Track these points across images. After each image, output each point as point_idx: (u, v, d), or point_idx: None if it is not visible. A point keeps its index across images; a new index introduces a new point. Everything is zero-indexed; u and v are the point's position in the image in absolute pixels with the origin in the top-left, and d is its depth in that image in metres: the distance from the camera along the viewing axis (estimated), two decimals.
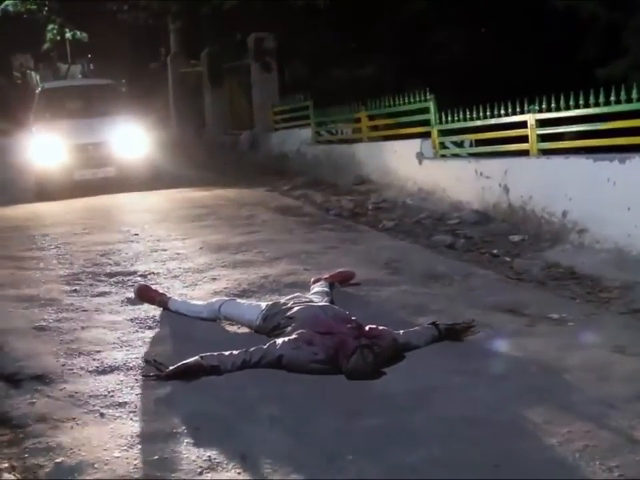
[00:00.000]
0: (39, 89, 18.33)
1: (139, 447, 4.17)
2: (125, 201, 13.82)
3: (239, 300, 6.42)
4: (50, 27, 46.06)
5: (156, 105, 25.51)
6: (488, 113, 10.55)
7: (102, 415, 4.61)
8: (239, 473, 3.88)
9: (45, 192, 14.62)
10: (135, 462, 4.01)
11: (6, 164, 17.61)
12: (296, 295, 6.18)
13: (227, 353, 5.21)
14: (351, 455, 4.02)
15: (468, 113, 11.03)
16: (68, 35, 47.66)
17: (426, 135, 12.26)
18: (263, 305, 6.06)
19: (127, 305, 6.85)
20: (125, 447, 4.16)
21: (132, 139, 15.56)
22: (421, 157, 12.22)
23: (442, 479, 3.80)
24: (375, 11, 17.46)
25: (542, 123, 9.50)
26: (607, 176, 8.12)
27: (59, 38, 48.89)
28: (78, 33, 45.63)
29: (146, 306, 6.68)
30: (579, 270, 7.85)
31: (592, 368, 5.17)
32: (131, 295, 7.01)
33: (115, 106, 16.76)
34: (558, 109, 9.14)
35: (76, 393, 4.95)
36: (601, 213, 8.21)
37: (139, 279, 7.71)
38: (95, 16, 30.96)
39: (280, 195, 14.06)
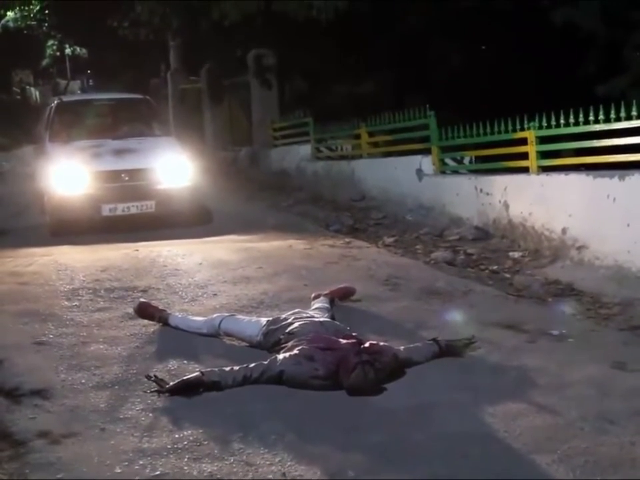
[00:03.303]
0: (55, 101, 14.99)
1: (140, 462, 4.16)
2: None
3: (239, 316, 6.41)
4: (50, 42, 46.32)
5: None
6: (488, 130, 10.57)
7: (103, 430, 4.60)
8: None
9: (63, 229, 11.60)
10: (136, 478, 4.00)
11: (10, 186, 15.90)
12: (296, 310, 6.18)
13: (227, 369, 5.21)
14: (352, 471, 4.02)
15: (468, 129, 11.06)
16: (68, 51, 47.92)
17: (426, 152, 12.30)
18: (264, 320, 6.06)
19: (127, 320, 6.84)
20: (126, 463, 4.16)
21: (175, 165, 12.57)
22: (420, 173, 12.25)
23: None
24: (374, 28, 17.52)
25: (542, 140, 9.52)
26: (606, 193, 8.13)
27: (58, 54, 49.13)
28: (78, 49, 45.88)
29: (146, 322, 6.67)
30: (579, 286, 7.86)
31: (592, 384, 5.17)
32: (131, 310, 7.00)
33: (149, 125, 14.34)
34: (558, 126, 9.16)
35: (76, 408, 4.95)
36: (601, 229, 8.22)
37: (138, 294, 7.70)
38: (95, 32, 31.08)
39: (279, 211, 14.06)
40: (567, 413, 4.71)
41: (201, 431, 4.55)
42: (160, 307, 6.83)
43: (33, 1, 36.84)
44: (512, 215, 9.83)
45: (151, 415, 4.82)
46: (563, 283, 8.03)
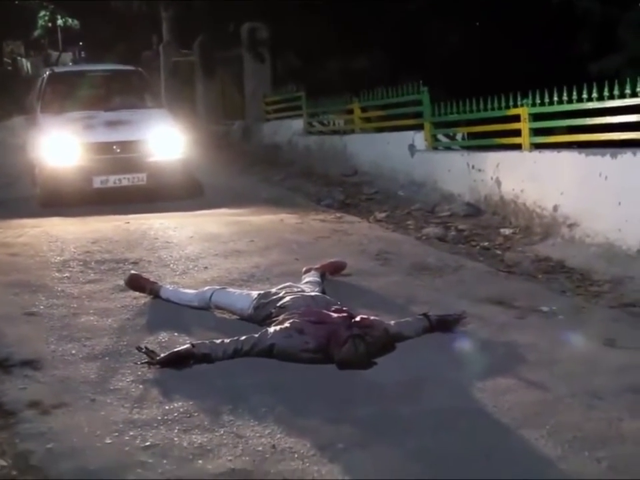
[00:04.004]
0: (47, 72, 14.73)
1: (130, 433, 4.17)
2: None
3: (230, 289, 6.41)
4: (41, 13, 46.06)
5: None
6: (481, 106, 10.56)
7: (93, 401, 4.61)
8: (230, 460, 3.89)
9: (53, 201, 11.50)
10: (126, 448, 4.01)
11: (0, 157, 15.50)
12: (287, 284, 6.18)
13: (218, 341, 5.22)
14: (342, 443, 4.03)
15: (461, 105, 11.05)
16: (59, 22, 47.67)
17: (418, 127, 12.28)
18: (254, 294, 6.06)
19: (117, 292, 6.83)
20: (116, 433, 4.17)
21: (167, 138, 12.49)
22: (413, 149, 12.24)
23: (432, 470, 3.81)
24: (370, 3, 17.46)
25: (535, 117, 9.52)
26: (598, 170, 8.13)
27: (50, 25, 48.86)
28: (70, 20, 45.63)
29: (137, 294, 6.66)
30: (570, 263, 7.88)
31: (581, 360, 5.21)
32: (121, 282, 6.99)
33: (142, 97, 14.21)
34: (551, 104, 9.16)
35: (67, 379, 4.95)
36: (592, 207, 8.23)
37: (129, 266, 7.69)
38: (87, 3, 30.90)
39: (271, 185, 14.04)
40: (555, 388, 4.73)
41: (191, 402, 4.56)
42: (151, 280, 6.82)
43: None
44: (504, 192, 9.83)
45: (141, 386, 4.82)
46: (554, 260, 8.05)
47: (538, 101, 9.36)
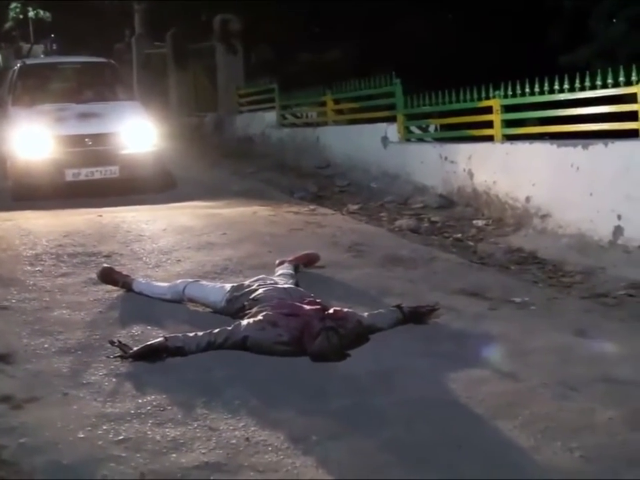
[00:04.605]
0: (18, 64, 14.66)
1: (103, 427, 4.15)
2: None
3: (203, 282, 6.40)
4: (12, 5, 45.65)
5: None
6: (453, 98, 10.59)
7: (66, 395, 4.58)
8: (203, 454, 3.88)
9: (25, 194, 11.43)
10: (99, 442, 3.99)
11: None
12: (260, 277, 6.16)
13: (191, 334, 5.21)
14: (316, 436, 4.04)
15: (433, 97, 11.07)
16: (31, 14, 47.27)
17: (391, 119, 12.31)
18: (228, 286, 6.05)
19: (90, 286, 6.80)
20: (89, 427, 4.15)
21: (139, 130, 12.41)
22: (386, 141, 12.27)
23: (405, 460, 3.83)
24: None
25: (507, 109, 9.56)
26: (570, 162, 8.18)
27: (21, 17, 48.46)
28: (41, 12, 45.27)
29: (109, 287, 6.63)
30: (542, 254, 7.93)
31: (553, 351, 5.24)
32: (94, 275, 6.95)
33: (114, 89, 14.17)
34: (523, 95, 9.20)
35: (39, 373, 4.93)
36: (564, 198, 8.29)
37: (102, 259, 7.66)
38: None
39: (244, 177, 14.02)
40: (528, 379, 4.76)
41: (164, 396, 4.54)
42: (124, 273, 6.78)
43: None
44: (476, 184, 9.87)
45: (114, 380, 4.81)
46: (526, 251, 8.09)
47: (510, 93, 9.41)
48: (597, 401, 4.41)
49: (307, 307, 5.34)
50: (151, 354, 5.07)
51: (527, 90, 9.10)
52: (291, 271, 6.62)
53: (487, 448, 3.95)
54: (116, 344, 5.15)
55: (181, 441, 4.01)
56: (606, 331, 5.65)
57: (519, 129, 9.58)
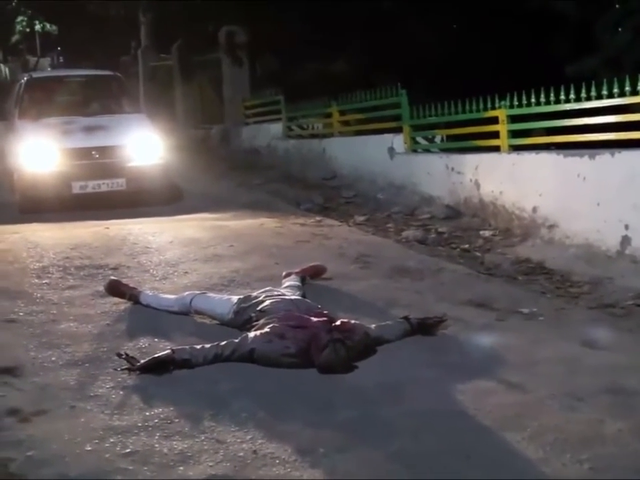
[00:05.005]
0: (25, 78, 14.71)
1: (111, 440, 4.15)
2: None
3: (210, 294, 6.40)
4: (19, 19, 45.76)
5: None
6: (459, 109, 10.59)
7: (73, 407, 4.58)
8: (210, 467, 3.87)
9: (32, 207, 11.43)
10: (107, 455, 3.99)
11: None
12: (267, 288, 6.16)
13: (198, 347, 5.20)
14: (323, 448, 4.02)
15: (439, 108, 11.08)
16: (37, 27, 47.36)
17: (397, 130, 12.30)
18: (235, 298, 6.04)
19: (97, 298, 6.80)
20: (96, 440, 4.14)
21: (146, 143, 12.46)
22: (392, 151, 12.27)
23: (414, 471, 3.81)
24: (346, 6, 17.46)
25: (513, 119, 9.55)
26: (577, 172, 8.17)
27: (28, 30, 48.56)
28: (48, 25, 45.36)
29: (117, 299, 6.64)
30: (549, 265, 7.91)
31: (561, 362, 5.21)
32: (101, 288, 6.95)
33: (119, 102, 14.29)
34: (529, 105, 9.19)
35: (47, 385, 4.93)
36: (571, 208, 8.27)
37: (109, 272, 7.66)
38: (65, 8, 30.78)
39: (250, 189, 14.03)
40: (536, 390, 4.74)
41: (171, 408, 4.54)
42: (131, 285, 6.79)
43: None
44: (483, 194, 9.86)
45: (121, 392, 4.80)
46: (534, 262, 8.07)
47: (516, 103, 9.40)
48: (605, 412, 4.39)
49: (314, 319, 5.33)
50: (158, 366, 5.06)
51: (533, 100, 9.09)
52: (298, 283, 6.62)
53: (495, 459, 3.93)
54: (123, 356, 5.15)
55: (189, 454, 4.00)
56: (614, 342, 5.63)
57: (525, 139, 9.56)
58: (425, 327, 5.76)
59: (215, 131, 21.58)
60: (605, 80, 8.21)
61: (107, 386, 4.91)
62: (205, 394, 4.76)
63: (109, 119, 13.07)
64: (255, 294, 6.02)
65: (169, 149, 13.13)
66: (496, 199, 9.57)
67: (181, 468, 3.87)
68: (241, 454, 4.00)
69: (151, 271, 7.79)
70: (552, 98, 8.80)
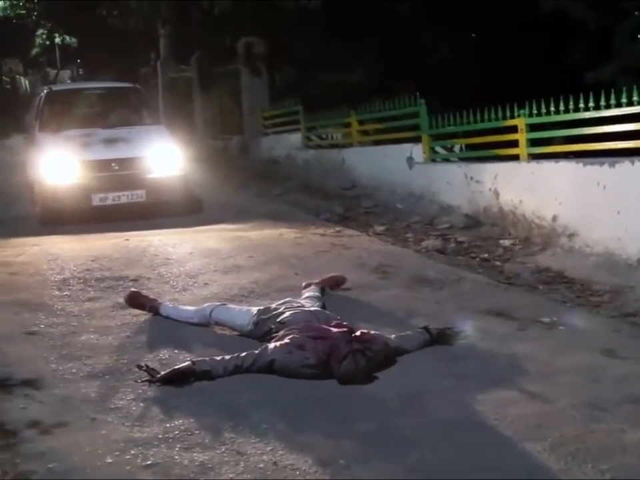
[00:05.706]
0: (45, 90, 14.72)
1: (131, 452, 4.16)
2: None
3: (229, 305, 6.40)
4: (39, 32, 46.11)
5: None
6: (478, 118, 10.58)
7: (93, 420, 4.59)
8: (231, 478, 3.87)
9: (53, 219, 11.48)
10: (127, 467, 4.00)
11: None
12: (287, 299, 6.17)
13: (218, 358, 5.21)
14: (344, 459, 4.02)
15: (458, 117, 11.07)
16: (57, 40, 47.69)
17: (416, 140, 12.30)
18: (254, 309, 6.05)
19: (117, 310, 6.82)
20: (117, 452, 4.15)
21: (165, 154, 12.45)
22: (411, 161, 12.26)
23: None
24: (363, 15, 17.50)
25: (532, 128, 9.53)
26: (596, 180, 8.14)
27: (48, 43, 48.90)
28: (67, 38, 45.66)
29: (137, 311, 6.65)
30: (570, 274, 7.88)
31: (582, 371, 5.19)
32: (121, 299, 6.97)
33: (140, 114, 14.28)
34: (548, 114, 9.17)
35: (67, 397, 4.94)
36: (591, 216, 8.24)
37: (129, 283, 7.68)
38: (85, 21, 30.93)
39: (270, 199, 14.04)
40: (557, 400, 4.72)
41: (192, 420, 4.55)
42: (151, 297, 6.81)
43: None
44: (502, 203, 9.84)
45: (142, 404, 4.81)
46: (554, 271, 8.05)
47: (535, 112, 9.38)
48: (626, 421, 4.37)
49: (334, 330, 5.33)
50: (178, 378, 5.07)
51: (552, 108, 9.07)
52: (317, 294, 6.62)
53: (516, 470, 3.91)
54: (143, 368, 5.16)
55: (209, 466, 4.00)
56: (635, 351, 5.60)
57: (544, 147, 9.54)
58: (444, 337, 5.74)
59: (234, 142, 21.64)
60: (624, 88, 8.19)
61: (128, 398, 4.92)
62: (225, 405, 4.76)
63: (128, 131, 13.07)
64: (274, 305, 6.02)
65: (189, 159, 13.15)
66: (515, 208, 9.55)
67: None
68: (262, 465, 4.00)
69: (171, 282, 7.81)
70: (571, 106, 8.78)
